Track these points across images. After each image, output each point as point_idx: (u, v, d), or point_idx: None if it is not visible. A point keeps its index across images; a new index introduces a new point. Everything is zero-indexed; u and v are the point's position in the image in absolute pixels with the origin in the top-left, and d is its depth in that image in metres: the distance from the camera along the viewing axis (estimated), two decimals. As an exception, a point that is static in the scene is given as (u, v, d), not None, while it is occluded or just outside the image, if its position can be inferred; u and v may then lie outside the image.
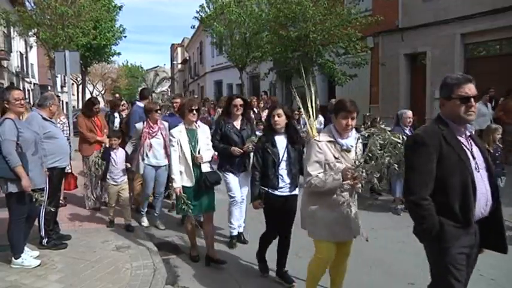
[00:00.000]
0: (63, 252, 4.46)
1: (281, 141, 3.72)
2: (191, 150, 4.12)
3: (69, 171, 5.98)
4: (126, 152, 5.47)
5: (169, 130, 5.12)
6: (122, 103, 9.08)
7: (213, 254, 4.25)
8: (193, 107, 4.16)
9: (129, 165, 5.43)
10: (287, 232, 3.79)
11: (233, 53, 17.88)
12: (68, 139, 6.12)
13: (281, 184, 3.67)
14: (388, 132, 2.76)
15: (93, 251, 4.51)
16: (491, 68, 11.08)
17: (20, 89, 4.48)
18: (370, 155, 2.75)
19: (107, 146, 5.56)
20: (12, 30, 20.73)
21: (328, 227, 3.03)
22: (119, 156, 5.35)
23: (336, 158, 2.97)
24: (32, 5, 16.60)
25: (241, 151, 4.55)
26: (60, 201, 5.55)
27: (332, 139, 3.01)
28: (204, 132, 4.31)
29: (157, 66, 59.02)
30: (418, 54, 13.33)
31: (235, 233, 4.80)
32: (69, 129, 6.82)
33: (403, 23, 13.42)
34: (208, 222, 4.30)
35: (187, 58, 41.96)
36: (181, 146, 4.10)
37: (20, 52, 24.97)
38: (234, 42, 17.61)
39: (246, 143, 4.58)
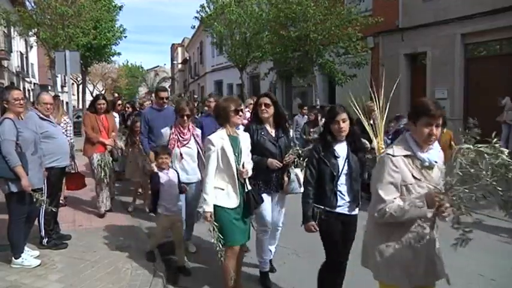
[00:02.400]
0: (63, 252, 4.46)
1: (341, 150, 3.09)
2: (236, 163, 3.35)
3: (73, 170, 5.90)
4: (176, 171, 4.29)
5: (202, 132, 4.58)
6: (118, 103, 8.99)
7: None
8: (238, 108, 3.38)
9: (187, 187, 4.32)
10: (343, 259, 3.17)
11: (233, 53, 17.88)
12: (71, 139, 6.09)
13: (340, 202, 3.05)
14: (502, 150, 2.04)
15: (93, 251, 4.51)
16: (491, 68, 11.07)
17: (19, 89, 4.48)
18: (460, 173, 2.09)
19: (154, 170, 4.29)
20: (12, 30, 20.71)
21: (404, 268, 2.34)
22: (172, 177, 4.17)
23: (415, 178, 2.28)
24: (32, 4, 16.59)
25: (281, 164, 3.69)
26: (61, 201, 5.55)
27: (410, 153, 2.30)
28: (246, 141, 3.51)
29: (158, 66, 59.13)
30: (418, 54, 13.31)
31: (267, 268, 3.96)
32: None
33: (403, 23, 13.41)
34: (240, 254, 3.57)
35: (188, 58, 41.99)
36: (224, 157, 3.30)
37: (20, 52, 24.95)
38: (234, 42, 17.60)
39: (285, 154, 3.74)
